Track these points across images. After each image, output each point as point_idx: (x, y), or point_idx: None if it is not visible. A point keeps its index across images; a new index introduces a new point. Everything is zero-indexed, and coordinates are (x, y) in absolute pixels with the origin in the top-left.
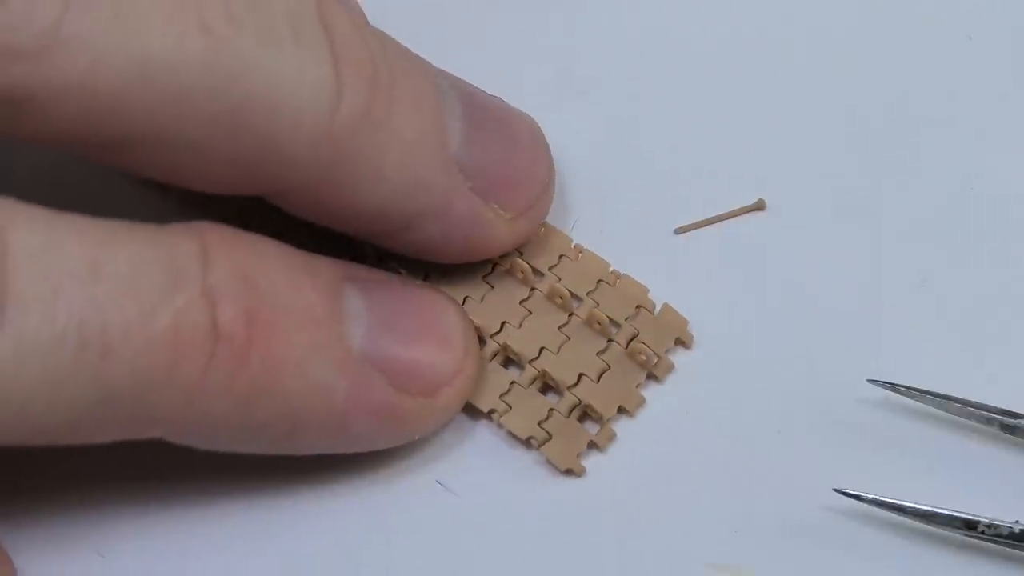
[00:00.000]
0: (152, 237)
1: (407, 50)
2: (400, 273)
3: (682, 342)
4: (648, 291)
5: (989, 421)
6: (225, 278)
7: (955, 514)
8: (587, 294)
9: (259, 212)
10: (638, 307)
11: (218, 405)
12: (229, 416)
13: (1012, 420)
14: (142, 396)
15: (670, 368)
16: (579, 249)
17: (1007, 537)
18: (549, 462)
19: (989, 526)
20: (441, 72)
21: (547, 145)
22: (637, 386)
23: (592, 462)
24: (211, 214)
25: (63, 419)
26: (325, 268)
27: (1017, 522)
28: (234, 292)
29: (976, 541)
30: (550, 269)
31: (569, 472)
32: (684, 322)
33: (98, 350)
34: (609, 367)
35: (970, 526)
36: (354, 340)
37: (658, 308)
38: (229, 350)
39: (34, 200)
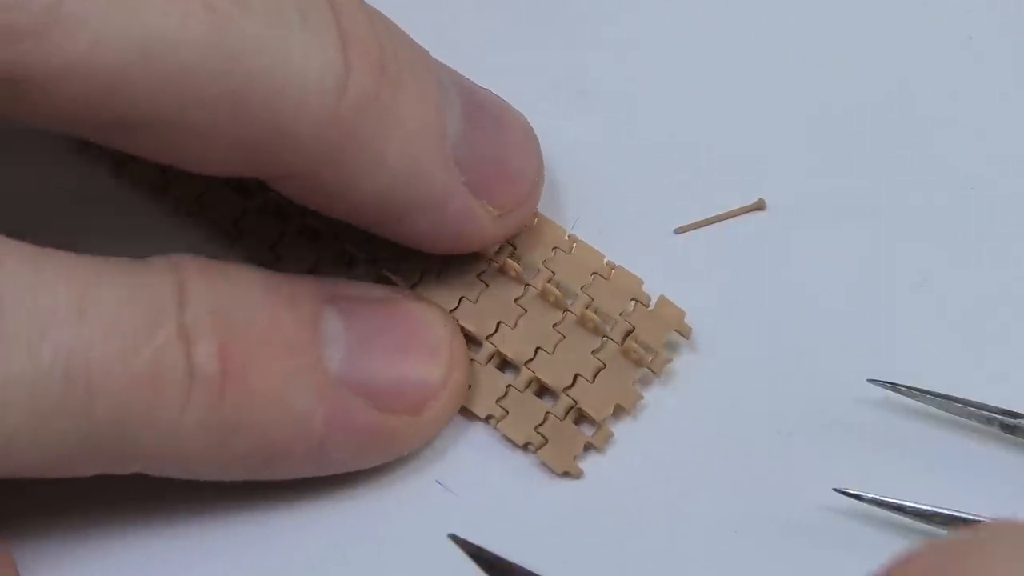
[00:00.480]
0: (134, 273)
1: (410, 39)
2: (392, 280)
3: (680, 333)
4: (642, 283)
5: (989, 421)
6: (200, 315)
7: (955, 514)
8: (581, 288)
9: (256, 221)
10: (633, 300)
11: (196, 441)
12: (208, 451)
13: (1012, 420)
14: (123, 433)
15: (667, 362)
16: (573, 239)
17: None
18: (546, 466)
19: None
20: (441, 65)
21: (538, 142)
22: (634, 383)
23: (591, 462)
24: (207, 222)
25: (47, 455)
26: (304, 292)
27: None
28: (209, 328)
29: None
30: (544, 263)
31: (566, 475)
32: (681, 313)
33: (82, 388)
34: (605, 366)
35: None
36: (332, 364)
37: (654, 301)
38: (205, 388)
39: (34, 203)
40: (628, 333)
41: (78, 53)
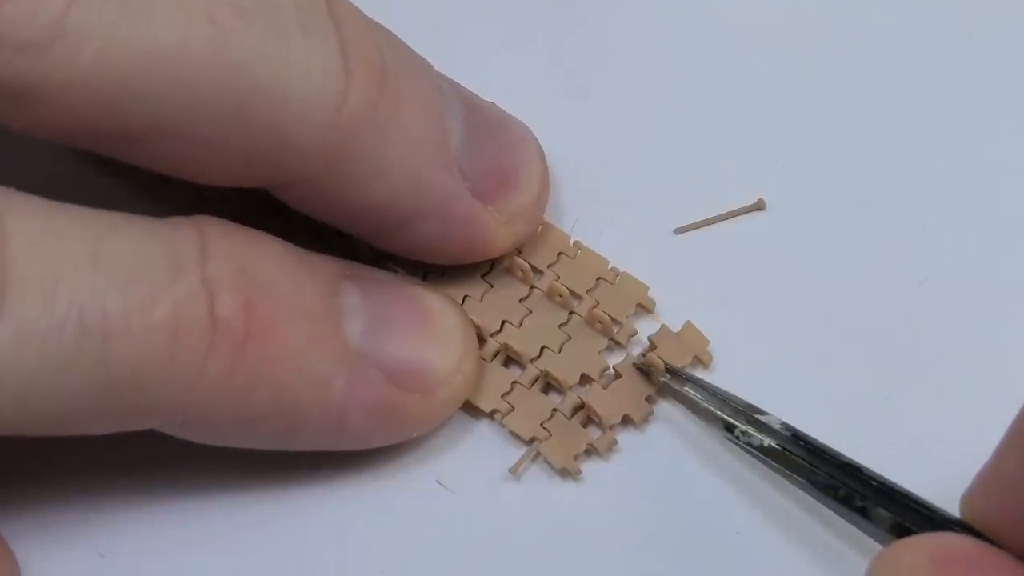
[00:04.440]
0: (152, 228)
1: (410, 49)
2: (397, 272)
3: (700, 361)
4: (648, 289)
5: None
6: (224, 269)
7: (717, 413)
8: (587, 292)
9: (257, 219)
10: (639, 305)
11: (216, 395)
12: (226, 407)
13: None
14: (141, 385)
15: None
16: (578, 246)
17: (756, 449)
18: (546, 460)
19: (744, 433)
20: (442, 75)
21: (541, 150)
22: (646, 397)
23: (591, 465)
24: None
25: (62, 408)
26: (323, 265)
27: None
28: (233, 283)
29: (735, 445)
30: (549, 267)
31: (564, 472)
32: (705, 341)
33: (98, 337)
34: (610, 367)
35: (729, 428)
36: (351, 336)
37: (680, 324)
38: (227, 340)
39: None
40: (632, 336)
41: (83, 66)
